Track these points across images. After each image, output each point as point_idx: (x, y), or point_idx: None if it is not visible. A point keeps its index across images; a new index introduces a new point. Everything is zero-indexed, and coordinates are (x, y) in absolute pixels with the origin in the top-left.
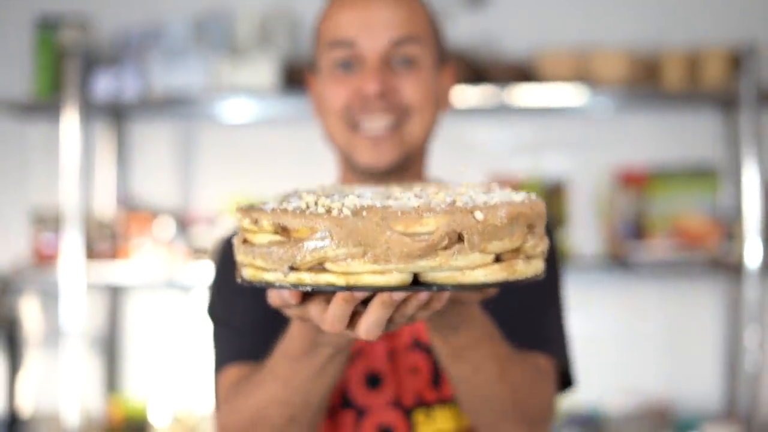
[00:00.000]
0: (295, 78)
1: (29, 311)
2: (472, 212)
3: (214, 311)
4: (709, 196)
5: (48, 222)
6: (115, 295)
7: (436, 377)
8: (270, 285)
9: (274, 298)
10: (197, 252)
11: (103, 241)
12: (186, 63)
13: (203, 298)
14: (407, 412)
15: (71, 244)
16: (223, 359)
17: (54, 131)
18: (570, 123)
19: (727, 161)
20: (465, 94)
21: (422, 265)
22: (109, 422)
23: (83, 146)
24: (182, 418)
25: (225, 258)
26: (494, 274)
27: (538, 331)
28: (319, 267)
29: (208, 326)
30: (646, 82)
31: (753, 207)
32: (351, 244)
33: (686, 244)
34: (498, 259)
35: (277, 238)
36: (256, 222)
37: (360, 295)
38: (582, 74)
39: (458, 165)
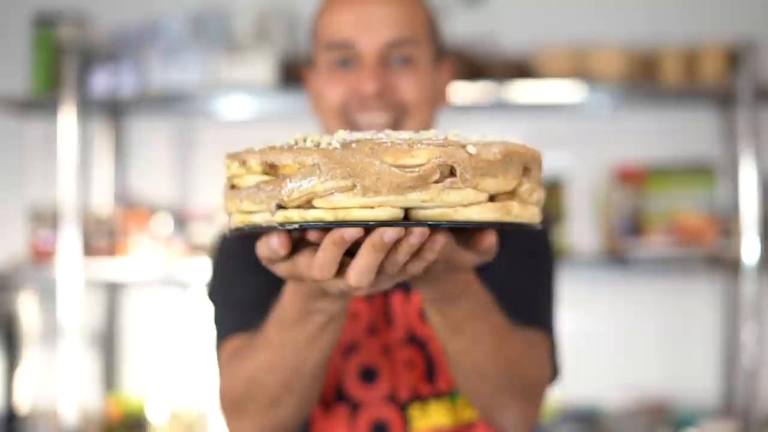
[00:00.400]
0: (293, 74)
1: (27, 308)
2: (464, 147)
3: (214, 294)
4: (707, 193)
5: (46, 219)
6: (112, 292)
7: (431, 371)
8: (258, 228)
9: (262, 249)
10: (195, 248)
11: (101, 238)
12: (184, 59)
13: (202, 293)
14: (402, 407)
15: (69, 241)
16: (223, 333)
17: (51, 128)
18: (568, 120)
19: (725, 158)
20: (463, 91)
21: (413, 198)
22: (107, 419)
23: (81, 143)
24: (180, 415)
25: (224, 248)
26: (488, 212)
27: (534, 307)
28: (308, 205)
29: (209, 311)
30: (644, 79)
31: (750, 203)
32: (340, 176)
33: (684, 240)
34: (493, 199)
35: (266, 177)
36: (244, 163)
37: (350, 236)
38: (580, 71)
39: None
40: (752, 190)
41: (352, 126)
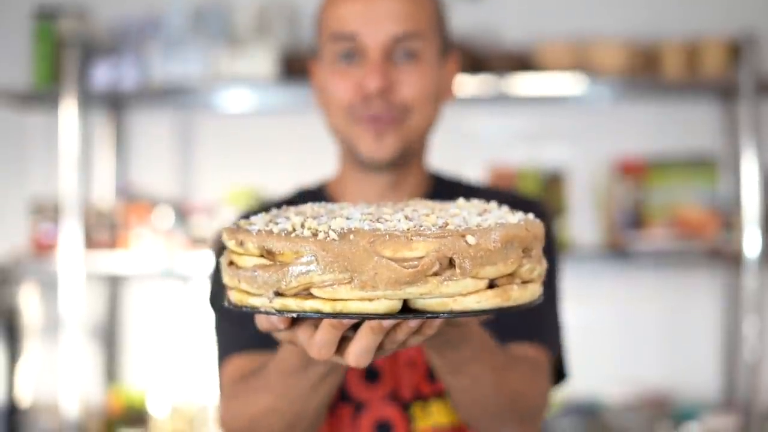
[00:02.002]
0: (294, 67)
1: (28, 301)
2: (463, 236)
3: (215, 301)
4: (708, 186)
5: (47, 212)
6: (114, 284)
7: (432, 371)
8: (256, 310)
9: (262, 322)
10: (196, 242)
11: (102, 231)
12: (185, 53)
13: (204, 288)
14: (405, 406)
15: (70, 233)
16: (226, 350)
17: (53, 121)
18: (569, 113)
19: (726, 151)
20: (464, 84)
21: (411, 292)
22: (109, 412)
23: (82, 136)
24: (181, 408)
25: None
26: (487, 300)
27: (533, 323)
28: (306, 292)
29: (210, 316)
30: (645, 72)
31: (752, 197)
32: (337, 269)
33: (685, 234)
34: (492, 284)
35: (263, 261)
36: (241, 244)
37: (348, 322)
38: (581, 64)
39: (457, 154)
40: (754, 183)
41: (357, 121)
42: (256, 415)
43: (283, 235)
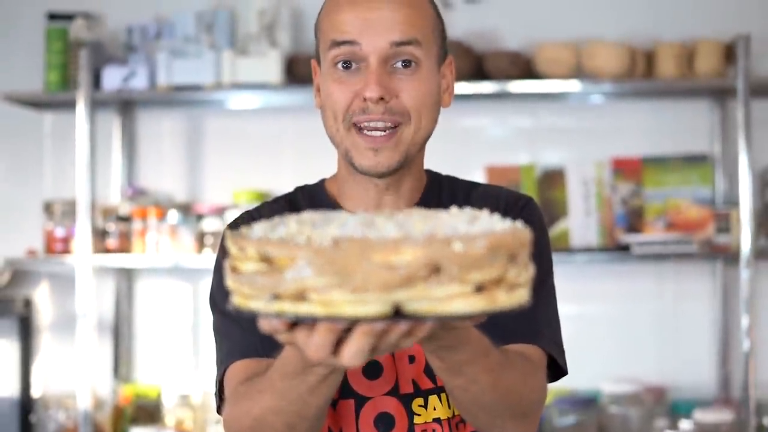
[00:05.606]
0: (301, 71)
1: (43, 299)
2: (450, 243)
3: (218, 302)
4: (703, 185)
5: (60, 212)
6: (125, 282)
7: (430, 366)
8: (255, 313)
9: (264, 324)
10: (205, 241)
11: (114, 231)
12: (193, 57)
13: (207, 287)
14: (406, 401)
15: (83, 232)
16: (228, 355)
17: (66, 124)
18: (567, 113)
19: (721, 150)
20: (462, 84)
21: (401, 296)
22: (120, 406)
23: (94, 138)
24: (192, 402)
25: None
26: (474, 304)
27: (527, 324)
28: (302, 297)
29: (210, 316)
30: (642, 74)
31: (746, 195)
32: (330, 274)
33: (681, 232)
34: (480, 289)
35: (262, 266)
36: (242, 249)
37: (342, 325)
38: (579, 66)
39: (456, 154)
40: (747, 182)
41: (354, 129)
42: (259, 416)
43: (280, 242)
